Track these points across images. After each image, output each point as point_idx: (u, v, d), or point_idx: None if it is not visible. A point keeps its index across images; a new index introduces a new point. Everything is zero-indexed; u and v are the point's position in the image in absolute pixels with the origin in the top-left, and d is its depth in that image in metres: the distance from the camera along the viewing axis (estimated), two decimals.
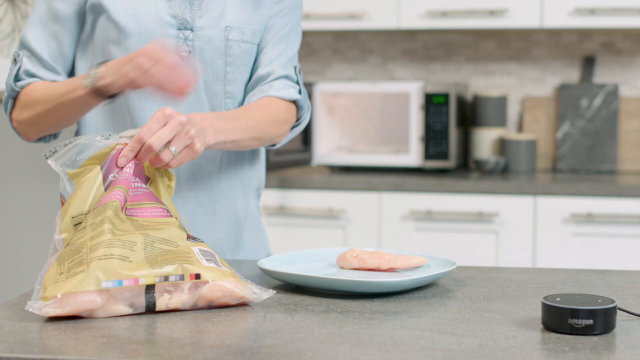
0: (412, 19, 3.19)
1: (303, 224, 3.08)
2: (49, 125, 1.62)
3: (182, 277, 1.19)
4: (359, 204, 3.04)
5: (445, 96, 3.14)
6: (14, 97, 1.64)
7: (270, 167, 3.47)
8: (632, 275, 1.46)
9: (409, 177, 3.05)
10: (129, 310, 1.17)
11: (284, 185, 3.10)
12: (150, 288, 1.17)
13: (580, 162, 3.31)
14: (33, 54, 1.65)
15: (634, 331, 1.10)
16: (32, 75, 1.64)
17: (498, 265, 2.95)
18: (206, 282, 1.20)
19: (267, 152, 3.70)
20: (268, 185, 3.10)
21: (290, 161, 3.30)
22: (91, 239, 1.21)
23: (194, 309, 1.21)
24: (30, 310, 1.14)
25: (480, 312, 1.20)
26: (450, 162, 3.17)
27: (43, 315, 1.15)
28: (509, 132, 3.49)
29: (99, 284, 1.15)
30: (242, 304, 1.24)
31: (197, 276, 1.19)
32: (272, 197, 3.10)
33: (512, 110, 3.50)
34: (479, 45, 3.49)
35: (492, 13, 3.12)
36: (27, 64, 1.65)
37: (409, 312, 1.20)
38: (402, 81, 3.43)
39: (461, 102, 3.28)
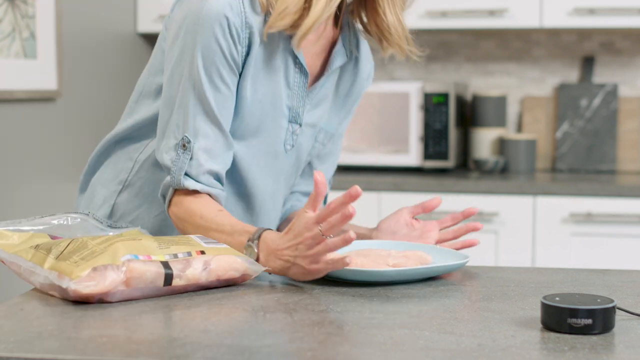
0: (411, 19, 3.19)
1: None
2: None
3: (189, 254, 1.29)
4: (358, 204, 3.04)
5: (445, 96, 3.14)
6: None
7: None
8: (632, 274, 1.46)
9: (409, 177, 3.05)
10: (151, 287, 1.25)
11: None
12: (165, 264, 1.26)
13: (580, 162, 3.31)
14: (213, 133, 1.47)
15: (633, 331, 1.10)
16: (211, 174, 1.47)
17: (497, 265, 2.95)
18: (212, 257, 1.30)
19: None
20: None
21: None
22: (92, 239, 1.26)
23: (207, 286, 1.31)
24: (64, 286, 1.19)
25: (480, 312, 1.20)
26: (450, 162, 3.17)
27: (73, 295, 1.20)
28: (509, 132, 3.49)
29: (119, 259, 1.23)
30: (244, 308, 1.24)
31: (203, 252, 1.30)
32: None
33: (512, 110, 3.50)
34: (479, 45, 3.49)
35: (491, 13, 3.12)
36: (208, 155, 1.47)
37: (409, 311, 1.20)
38: (401, 81, 3.43)
39: (461, 102, 3.28)
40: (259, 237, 1.37)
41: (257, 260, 1.36)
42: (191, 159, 1.46)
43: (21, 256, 1.30)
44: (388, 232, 1.63)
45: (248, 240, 1.38)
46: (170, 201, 1.49)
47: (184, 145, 1.47)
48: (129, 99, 3.55)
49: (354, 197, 1.25)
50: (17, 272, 1.31)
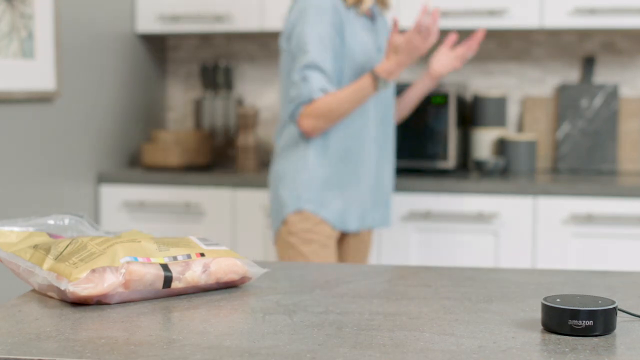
0: (411, 19, 3.19)
1: None
2: (335, 123, 2.41)
3: (189, 256, 1.29)
4: None
5: (445, 96, 3.14)
6: (303, 104, 2.36)
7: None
8: (632, 276, 1.46)
9: (409, 178, 3.05)
10: (150, 289, 1.24)
11: None
12: (164, 266, 1.26)
13: (580, 162, 3.31)
14: (324, 72, 2.37)
15: (634, 332, 1.10)
16: (324, 90, 2.36)
17: (498, 266, 2.94)
18: (212, 259, 1.30)
19: (267, 152, 3.70)
20: (268, 185, 3.10)
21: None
22: (92, 240, 1.25)
23: (206, 289, 1.31)
24: (62, 288, 1.19)
25: (480, 313, 1.20)
26: (450, 163, 3.17)
27: (72, 297, 1.20)
28: (509, 133, 3.49)
29: (118, 261, 1.23)
30: (244, 309, 1.23)
31: (202, 255, 1.30)
32: None
33: (512, 111, 3.49)
34: (479, 45, 3.49)
35: (492, 13, 3.12)
36: (320, 81, 2.36)
37: (409, 313, 1.20)
38: (401, 81, 3.43)
39: (461, 102, 3.28)
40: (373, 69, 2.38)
41: (381, 75, 2.37)
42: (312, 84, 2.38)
43: (20, 256, 1.30)
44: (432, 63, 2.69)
45: (369, 74, 2.37)
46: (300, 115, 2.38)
47: (304, 78, 2.38)
48: (127, 99, 3.57)
49: (428, 13, 2.30)
50: (15, 271, 1.31)
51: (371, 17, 2.55)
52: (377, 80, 2.36)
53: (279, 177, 2.48)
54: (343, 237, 2.58)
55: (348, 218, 2.49)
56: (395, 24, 2.38)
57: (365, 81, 2.37)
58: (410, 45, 2.34)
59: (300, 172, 2.44)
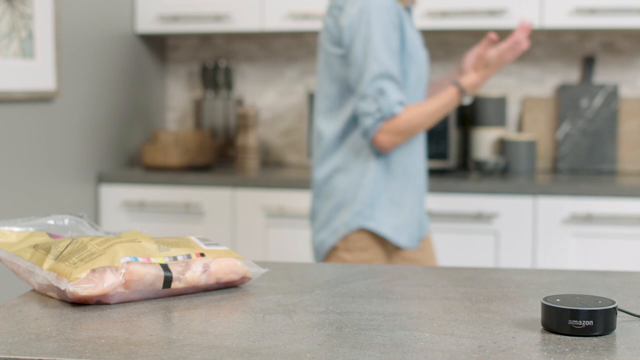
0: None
1: (302, 225, 3.08)
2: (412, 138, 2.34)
3: (189, 256, 1.29)
4: None
5: None
6: (384, 120, 2.23)
7: (271, 167, 3.47)
8: (632, 276, 1.46)
9: None
10: (149, 289, 1.24)
11: (283, 185, 3.09)
12: (164, 266, 1.26)
13: (580, 162, 3.31)
14: (396, 81, 2.23)
15: (634, 332, 1.10)
16: (402, 103, 2.24)
17: (498, 265, 2.94)
18: (212, 259, 1.30)
19: (267, 152, 3.70)
20: (268, 185, 3.10)
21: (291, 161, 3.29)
22: (92, 240, 1.25)
23: (206, 289, 1.31)
24: (62, 288, 1.19)
25: (480, 313, 1.20)
26: (450, 163, 3.17)
27: (72, 297, 1.19)
28: (509, 132, 3.49)
29: (119, 261, 1.23)
30: (244, 309, 1.23)
31: (202, 255, 1.30)
32: (272, 197, 3.10)
33: (512, 110, 3.49)
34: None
35: (492, 13, 3.12)
36: (397, 93, 2.23)
37: (409, 313, 1.20)
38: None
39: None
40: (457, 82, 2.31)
41: (465, 87, 2.30)
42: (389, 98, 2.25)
43: (20, 256, 1.30)
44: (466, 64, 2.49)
45: (454, 88, 2.30)
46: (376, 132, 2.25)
47: (381, 91, 2.23)
48: (127, 99, 3.56)
49: (525, 29, 2.31)
50: (15, 271, 1.31)
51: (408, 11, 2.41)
52: (461, 94, 2.30)
53: (339, 192, 2.33)
54: (401, 251, 2.41)
55: (407, 233, 2.36)
56: (492, 38, 2.34)
57: (450, 95, 2.29)
58: (501, 60, 2.29)
59: (363, 188, 2.30)
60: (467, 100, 2.32)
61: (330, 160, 2.36)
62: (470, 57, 2.48)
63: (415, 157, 2.37)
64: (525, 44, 2.29)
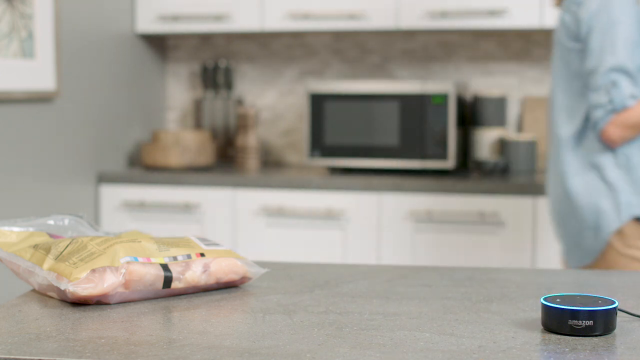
0: (411, 19, 3.19)
1: (302, 225, 3.08)
2: None
3: (189, 256, 1.29)
4: (358, 205, 3.04)
5: (445, 96, 3.14)
6: (615, 112, 2.17)
7: (271, 167, 3.48)
8: (632, 276, 1.46)
9: (409, 178, 3.05)
10: (150, 289, 1.25)
11: (284, 185, 3.09)
12: (164, 266, 1.26)
13: None
14: (632, 76, 2.18)
15: (634, 332, 1.10)
16: (634, 97, 2.18)
17: (498, 265, 2.94)
18: (212, 259, 1.30)
19: (267, 152, 3.70)
20: (268, 185, 3.10)
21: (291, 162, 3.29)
22: (92, 240, 1.25)
23: (206, 289, 1.31)
24: (62, 288, 1.19)
25: (480, 313, 1.20)
26: (450, 163, 3.17)
27: (72, 297, 1.19)
28: (509, 132, 3.49)
29: (119, 261, 1.23)
30: (244, 309, 1.23)
31: (202, 255, 1.30)
32: (272, 197, 3.10)
33: (512, 110, 3.49)
34: (479, 45, 3.49)
35: (491, 13, 3.12)
36: (631, 87, 2.18)
37: (409, 313, 1.20)
38: (402, 81, 3.43)
39: (461, 102, 3.28)
40: None
41: None
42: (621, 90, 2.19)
43: (20, 256, 1.30)
44: None
45: None
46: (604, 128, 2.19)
47: (614, 83, 2.18)
48: (127, 99, 3.56)
49: None
50: (15, 271, 1.31)
51: None
52: None
53: (596, 186, 2.26)
54: None
55: None
56: None
57: None
58: None
59: (628, 175, 2.25)
60: None
61: (569, 157, 2.31)
62: None
63: None
64: None
